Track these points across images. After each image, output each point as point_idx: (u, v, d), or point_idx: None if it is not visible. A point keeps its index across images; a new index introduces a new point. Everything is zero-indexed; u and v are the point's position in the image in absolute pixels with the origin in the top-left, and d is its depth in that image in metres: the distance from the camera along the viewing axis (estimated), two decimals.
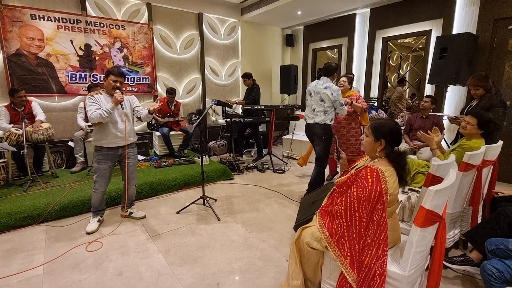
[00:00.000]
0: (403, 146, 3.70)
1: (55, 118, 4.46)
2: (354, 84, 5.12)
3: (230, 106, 4.42)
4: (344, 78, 3.62)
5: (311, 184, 3.41)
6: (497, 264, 1.49)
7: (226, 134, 5.68)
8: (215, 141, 5.59)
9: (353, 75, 5.02)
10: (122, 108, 2.64)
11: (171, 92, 4.77)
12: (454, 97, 4.35)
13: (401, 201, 2.02)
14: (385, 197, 1.39)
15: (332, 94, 3.11)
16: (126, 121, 2.69)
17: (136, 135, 2.92)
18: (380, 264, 1.37)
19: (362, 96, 4.50)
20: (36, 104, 3.91)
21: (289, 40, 7.13)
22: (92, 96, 2.58)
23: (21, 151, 3.35)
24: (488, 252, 1.71)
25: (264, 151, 5.20)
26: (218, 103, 3.68)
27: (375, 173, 1.42)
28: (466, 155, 1.99)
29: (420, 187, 2.33)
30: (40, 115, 3.79)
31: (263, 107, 4.98)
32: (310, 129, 3.32)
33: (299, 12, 5.69)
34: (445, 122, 3.87)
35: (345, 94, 3.58)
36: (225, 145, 5.64)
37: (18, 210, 2.77)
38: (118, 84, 2.61)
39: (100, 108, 2.52)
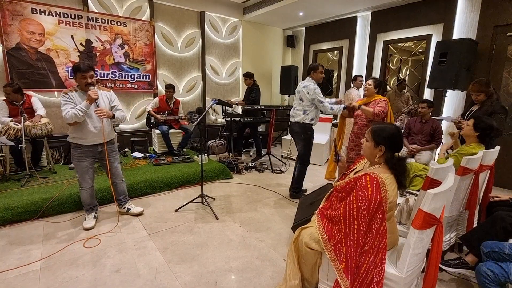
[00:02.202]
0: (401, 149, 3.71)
1: (54, 114, 4.44)
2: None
3: (230, 106, 4.43)
4: (370, 81, 3.10)
5: (296, 183, 3.47)
6: (492, 267, 1.51)
7: (225, 133, 5.68)
8: (214, 140, 5.59)
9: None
10: (98, 106, 2.53)
11: (169, 86, 4.78)
12: (452, 102, 4.39)
13: (399, 203, 2.04)
14: (384, 206, 1.38)
15: (308, 93, 3.15)
16: (104, 119, 2.58)
17: (115, 132, 2.85)
18: (378, 272, 1.38)
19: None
20: (36, 99, 3.89)
21: (290, 41, 7.15)
22: (66, 94, 2.45)
23: (19, 145, 3.34)
24: (483, 255, 1.73)
25: (263, 151, 5.21)
26: (219, 102, 3.68)
27: (375, 182, 1.40)
28: (464, 160, 2.01)
29: (418, 190, 2.35)
30: (40, 110, 3.77)
31: (263, 107, 4.99)
32: (291, 128, 3.41)
33: (300, 14, 5.71)
34: (444, 126, 3.91)
35: (371, 98, 3.10)
36: (224, 145, 5.64)
37: (16, 205, 2.76)
38: (89, 80, 2.47)
39: (74, 107, 2.40)
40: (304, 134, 3.27)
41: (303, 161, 3.39)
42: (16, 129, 3.43)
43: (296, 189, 3.49)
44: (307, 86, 3.19)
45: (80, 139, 2.55)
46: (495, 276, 1.47)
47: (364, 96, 3.31)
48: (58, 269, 2.09)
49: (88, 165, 2.63)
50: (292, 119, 3.36)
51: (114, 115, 2.64)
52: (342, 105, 3.12)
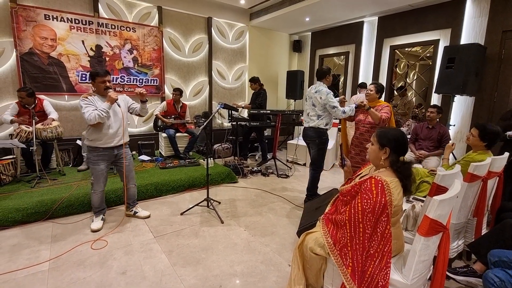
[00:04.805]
0: (408, 155, 3.68)
1: (64, 117, 4.54)
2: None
3: (236, 110, 4.46)
4: (371, 86, 3.11)
5: (309, 189, 3.44)
6: (499, 273, 1.48)
7: (231, 137, 5.71)
8: (220, 144, 5.62)
9: (364, 85, 4.92)
10: (119, 105, 2.68)
11: (176, 89, 4.86)
12: (460, 107, 4.34)
13: (405, 210, 2.02)
14: (389, 209, 1.39)
15: (321, 98, 3.10)
16: (123, 120, 2.72)
17: (129, 136, 2.93)
18: (383, 276, 1.37)
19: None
20: (48, 103, 3.98)
21: (296, 46, 7.18)
22: (87, 98, 2.56)
23: (30, 148, 3.42)
24: (491, 264, 1.71)
25: (269, 156, 5.22)
26: (225, 106, 3.71)
27: (379, 185, 1.41)
28: (471, 166, 1.99)
29: (425, 196, 2.33)
30: (53, 114, 3.88)
31: (269, 111, 5.01)
32: (305, 133, 3.37)
33: (307, 19, 5.74)
34: (452, 132, 3.86)
35: (373, 104, 3.10)
36: (230, 148, 5.67)
37: (26, 206, 2.81)
38: (108, 84, 2.61)
39: (96, 109, 2.51)
40: (319, 139, 3.24)
41: (316, 167, 3.34)
42: (27, 132, 3.52)
43: (309, 196, 3.43)
44: (320, 90, 3.12)
45: (98, 141, 2.63)
46: (502, 283, 1.45)
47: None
48: (66, 270, 2.12)
49: (104, 169, 2.72)
50: (306, 125, 3.33)
51: (146, 100, 2.81)
52: (354, 105, 3.09)
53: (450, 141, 2.66)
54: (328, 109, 3.11)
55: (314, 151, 3.30)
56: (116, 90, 4.90)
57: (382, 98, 3.21)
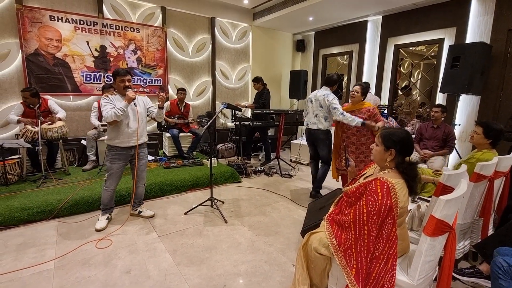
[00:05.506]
0: (413, 155, 3.65)
1: (69, 117, 4.56)
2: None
3: (240, 110, 4.46)
4: (357, 87, 3.15)
5: (319, 182, 3.62)
6: (508, 259, 1.45)
7: (234, 137, 5.72)
8: (223, 144, 5.63)
9: (368, 85, 4.86)
10: (135, 105, 2.73)
11: (181, 89, 4.89)
12: (466, 107, 4.30)
13: (411, 210, 2.01)
14: (395, 211, 1.36)
15: (328, 100, 3.29)
16: (139, 121, 2.76)
17: (148, 136, 2.99)
18: (388, 279, 1.36)
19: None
20: (53, 102, 4.02)
21: (300, 46, 7.17)
22: (107, 96, 2.66)
23: (36, 148, 3.45)
24: None
25: (272, 155, 5.22)
26: (229, 106, 3.71)
27: (385, 187, 1.38)
28: (478, 166, 1.97)
29: (430, 196, 2.31)
30: (60, 113, 3.93)
31: (272, 111, 5.01)
32: (313, 135, 3.54)
33: (310, 18, 5.73)
34: (457, 132, 3.82)
35: (356, 105, 3.19)
36: (234, 148, 5.67)
37: (31, 205, 2.84)
38: (127, 83, 2.68)
39: (114, 107, 2.58)
40: (328, 140, 3.50)
41: (328, 162, 3.57)
42: (33, 132, 3.55)
43: (317, 189, 3.64)
44: (328, 94, 3.32)
45: (116, 140, 2.69)
46: (509, 267, 1.41)
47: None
48: (71, 269, 2.14)
49: (119, 167, 2.77)
50: (314, 126, 3.48)
51: (163, 106, 2.88)
52: (359, 120, 3.04)
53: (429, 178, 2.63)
54: (330, 109, 3.30)
55: (325, 151, 3.52)
56: None
57: (379, 99, 3.23)
